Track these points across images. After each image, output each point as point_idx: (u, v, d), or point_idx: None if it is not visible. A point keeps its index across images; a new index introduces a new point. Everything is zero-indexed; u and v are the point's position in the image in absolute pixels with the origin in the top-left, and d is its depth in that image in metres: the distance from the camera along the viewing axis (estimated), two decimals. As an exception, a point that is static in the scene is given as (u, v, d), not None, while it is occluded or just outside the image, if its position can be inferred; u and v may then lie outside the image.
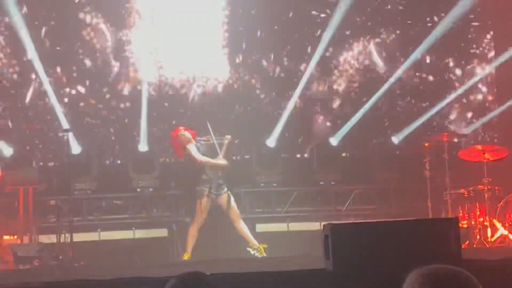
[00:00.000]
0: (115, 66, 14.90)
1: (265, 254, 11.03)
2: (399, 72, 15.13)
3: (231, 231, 11.52)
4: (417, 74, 15.48)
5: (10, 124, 14.25)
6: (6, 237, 11.94)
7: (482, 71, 15.39)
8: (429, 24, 15.37)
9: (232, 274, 7.48)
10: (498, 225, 11.82)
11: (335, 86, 15.37)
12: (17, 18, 14.03)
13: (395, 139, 14.72)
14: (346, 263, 7.04)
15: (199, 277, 4.00)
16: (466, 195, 12.21)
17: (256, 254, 11.05)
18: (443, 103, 15.23)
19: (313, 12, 15.38)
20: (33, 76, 14.55)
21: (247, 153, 14.57)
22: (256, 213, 13.50)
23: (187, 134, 11.35)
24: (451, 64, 15.57)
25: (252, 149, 14.38)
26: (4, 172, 11.07)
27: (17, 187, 11.78)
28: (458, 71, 15.52)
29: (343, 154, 14.84)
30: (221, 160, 11.20)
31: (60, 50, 14.71)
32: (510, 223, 11.76)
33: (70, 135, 11.29)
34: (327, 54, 15.28)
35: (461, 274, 2.82)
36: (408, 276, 2.93)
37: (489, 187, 11.91)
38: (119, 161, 14.75)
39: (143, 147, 14.18)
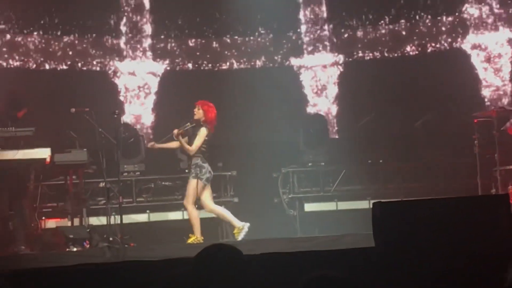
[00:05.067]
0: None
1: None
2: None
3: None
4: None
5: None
6: (56, 219, 12.06)
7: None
8: None
9: (277, 254, 7.44)
10: (550, 201, 11.66)
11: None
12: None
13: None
14: (396, 241, 6.99)
15: (236, 252, 3.96)
16: (516, 171, 12.07)
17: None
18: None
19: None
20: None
21: (294, 133, 14.49)
22: (304, 193, 13.47)
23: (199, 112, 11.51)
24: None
25: (299, 129, 14.30)
26: (53, 156, 11.11)
27: (67, 170, 11.86)
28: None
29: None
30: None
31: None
32: (562, 198, 11.60)
33: (119, 117, 11.37)
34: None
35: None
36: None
37: (539, 162, 11.76)
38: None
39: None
